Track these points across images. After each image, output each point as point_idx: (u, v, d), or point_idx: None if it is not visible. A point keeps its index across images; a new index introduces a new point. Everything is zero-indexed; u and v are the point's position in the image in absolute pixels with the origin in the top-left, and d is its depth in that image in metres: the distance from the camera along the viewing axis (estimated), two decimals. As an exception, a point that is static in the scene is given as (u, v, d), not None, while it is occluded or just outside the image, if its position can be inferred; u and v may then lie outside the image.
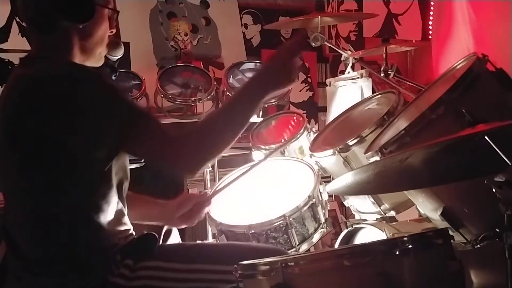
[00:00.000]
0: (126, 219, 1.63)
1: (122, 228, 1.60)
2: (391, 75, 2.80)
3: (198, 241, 2.21)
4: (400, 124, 1.81)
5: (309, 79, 3.95)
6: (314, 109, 3.96)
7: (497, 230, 1.40)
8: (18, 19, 2.98)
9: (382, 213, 2.17)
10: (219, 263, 1.59)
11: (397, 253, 1.30)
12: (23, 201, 1.53)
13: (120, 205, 1.60)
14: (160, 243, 1.75)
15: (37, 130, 1.45)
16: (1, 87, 2.87)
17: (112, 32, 1.67)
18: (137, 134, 1.45)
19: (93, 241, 1.52)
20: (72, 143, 1.45)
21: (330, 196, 2.38)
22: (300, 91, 3.91)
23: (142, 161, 1.77)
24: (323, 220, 2.13)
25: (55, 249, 1.51)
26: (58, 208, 1.50)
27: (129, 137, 1.46)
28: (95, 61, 1.65)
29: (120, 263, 1.53)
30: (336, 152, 2.13)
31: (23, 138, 1.47)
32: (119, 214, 1.59)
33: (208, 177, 2.62)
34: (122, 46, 1.87)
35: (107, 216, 1.53)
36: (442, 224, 1.60)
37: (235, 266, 1.41)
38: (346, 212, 3.50)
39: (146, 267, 1.57)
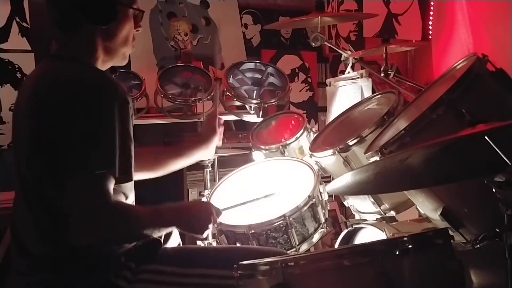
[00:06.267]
0: None
1: None
2: (391, 75, 2.80)
3: (199, 243, 2.20)
4: (400, 124, 1.81)
5: (309, 79, 3.95)
6: (314, 109, 3.96)
7: (497, 230, 1.40)
8: (18, 19, 2.99)
9: (382, 213, 2.18)
10: (219, 267, 1.60)
11: (397, 253, 1.30)
12: (36, 197, 1.52)
13: None
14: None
15: (49, 128, 1.45)
16: (1, 87, 2.94)
17: (138, 30, 1.69)
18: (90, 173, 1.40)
19: None
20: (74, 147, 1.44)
21: (330, 196, 2.38)
22: (300, 91, 3.91)
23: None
24: (323, 220, 2.13)
25: (64, 246, 1.49)
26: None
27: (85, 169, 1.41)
28: (119, 60, 1.68)
29: (124, 266, 1.55)
30: (336, 152, 2.13)
31: (40, 134, 1.47)
32: None
33: (208, 177, 2.61)
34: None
35: None
36: (442, 224, 1.60)
37: (235, 266, 1.41)
38: (346, 212, 3.50)
39: (147, 270, 1.58)
